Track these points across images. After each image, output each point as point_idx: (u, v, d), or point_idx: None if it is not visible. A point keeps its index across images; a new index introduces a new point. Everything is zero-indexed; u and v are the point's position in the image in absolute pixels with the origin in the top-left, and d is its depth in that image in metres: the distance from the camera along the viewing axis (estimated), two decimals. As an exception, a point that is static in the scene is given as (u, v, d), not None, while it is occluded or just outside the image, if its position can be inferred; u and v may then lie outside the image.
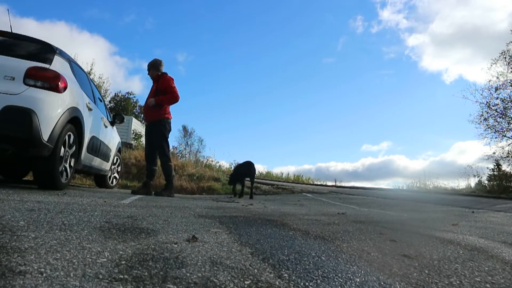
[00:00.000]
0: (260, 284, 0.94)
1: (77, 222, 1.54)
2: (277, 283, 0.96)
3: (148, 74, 4.80)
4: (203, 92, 47.61)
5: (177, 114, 14.04)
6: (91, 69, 17.82)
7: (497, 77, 12.39)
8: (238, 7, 51.09)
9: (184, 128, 28.23)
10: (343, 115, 47.66)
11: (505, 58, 12.23)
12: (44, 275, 0.80)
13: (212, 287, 0.87)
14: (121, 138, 6.26)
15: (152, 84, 4.85)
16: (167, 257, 1.10)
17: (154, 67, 4.74)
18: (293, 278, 1.02)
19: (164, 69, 4.80)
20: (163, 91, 4.60)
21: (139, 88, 40.31)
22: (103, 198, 2.97)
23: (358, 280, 1.05)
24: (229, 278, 0.95)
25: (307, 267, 1.15)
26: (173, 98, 4.63)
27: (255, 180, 6.74)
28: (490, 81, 12.63)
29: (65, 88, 3.11)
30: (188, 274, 0.94)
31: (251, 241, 1.50)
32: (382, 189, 11.67)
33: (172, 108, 4.82)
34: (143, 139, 16.50)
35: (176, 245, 1.28)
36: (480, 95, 12.87)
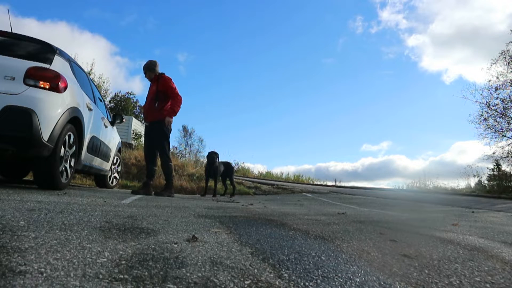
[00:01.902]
0: (260, 284, 0.94)
1: (77, 222, 1.54)
2: (277, 283, 0.96)
3: (145, 76, 4.83)
4: (203, 92, 47.66)
5: (177, 114, 14.04)
6: (91, 69, 17.82)
7: (497, 77, 12.38)
8: (238, 8, 51.10)
9: (184, 128, 28.27)
10: (343, 115, 47.70)
11: (505, 58, 12.21)
12: (44, 275, 0.81)
13: (212, 287, 0.87)
14: (121, 138, 6.26)
15: (150, 84, 4.87)
16: (167, 257, 1.10)
17: (150, 69, 4.76)
18: (293, 278, 1.02)
19: (161, 68, 4.83)
20: (164, 92, 4.63)
21: (140, 88, 40.33)
22: (103, 198, 2.97)
23: (358, 280, 1.05)
24: (229, 278, 0.95)
25: (307, 267, 1.15)
26: (178, 101, 4.71)
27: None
28: (490, 81, 12.63)
29: (65, 88, 3.11)
30: (188, 274, 0.94)
31: (251, 241, 1.50)
32: (382, 189, 11.67)
33: None
34: (143, 139, 16.51)
35: (176, 245, 1.28)
36: (480, 95, 12.85)
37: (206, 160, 6.06)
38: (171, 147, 5.67)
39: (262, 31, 53.22)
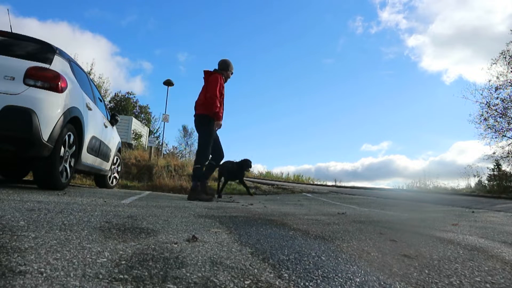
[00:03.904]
0: (260, 284, 0.94)
1: (77, 222, 1.54)
2: (277, 283, 0.96)
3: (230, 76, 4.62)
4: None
5: (177, 114, 14.15)
6: (91, 69, 17.84)
7: (497, 77, 12.41)
8: (238, 8, 51.11)
9: (184, 128, 28.29)
10: (343, 115, 47.73)
11: (505, 58, 12.24)
12: (44, 275, 0.80)
13: (212, 287, 0.87)
14: (121, 138, 6.26)
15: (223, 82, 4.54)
16: (167, 257, 1.10)
17: None
18: (293, 278, 1.02)
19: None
20: None
21: (141, 88, 40.33)
22: (103, 198, 2.97)
23: (358, 280, 1.04)
24: (229, 278, 0.95)
25: (307, 267, 1.15)
26: None
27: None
28: (490, 81, 12.65)
29: (65, 88, 3.11)
30: (188, 274, 0.94)
31: (251, 241, 1.50)
32: (382, 189, 11.67)
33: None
34: (143, 139, 16.50)
35: (176, 245, 1.28)
36: (480, 95, 12.89)
37: (242, 165, 5.99)
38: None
39: (262, 32, 53.25)
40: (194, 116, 4.40)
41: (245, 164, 6.02)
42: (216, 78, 4.28)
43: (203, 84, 4.46)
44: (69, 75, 3.39)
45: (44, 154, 2.94)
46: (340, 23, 52.17)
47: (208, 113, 4.25)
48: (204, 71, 4.47)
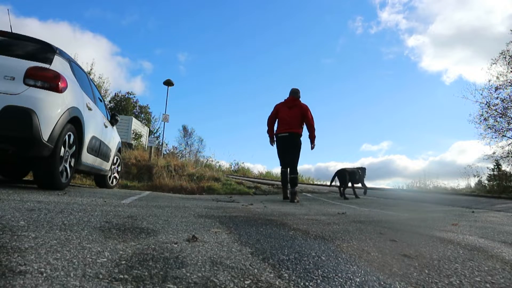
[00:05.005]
0: (260, 284, 0.94)
1: (77, 222, 1.54)
2: (277, 283, 0.96)
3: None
4: (203, 92, 47.69)
5: (177, 114, 14.16)
6: (91, 69, 17.83)
7: (497, 77, 12.41)
8: (238, 8, 51.11)
9: (184, 128, 28.33)
10: (343, 115, 47.76)
11: (505, 58, 12.24)
12: (44, 275, 0.81)
13: (212, 287, 0.87)
14: (121, 138, 6.26)
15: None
16: (167, 257, 1.10)
17: None
18: (293, 278, 1.02)
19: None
20: None
21: (141, 88, 40.35)
22: (103, 198, 2.97)
23: (358, 280, 1.04)
24: (229, 278, 0.95)
25: (307, 267, 1.15)
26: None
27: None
28: (490, 81, 12.65)
29: (65, 88, 3.11)
30: (188, 274, 0.94)
31: (251, 241, 1.50)
32: (382, 189, 11.66)
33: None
34: (143, 139, 16.50)
35: (176, 245, 1.28)
36: (480, 95, 12.89)
37: (362, 170, 7.04)
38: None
39: (262, 32, 53.30)
40: (287, 132, 5.25)
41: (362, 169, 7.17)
42: (310, 111, 5.29)
43: (288, 104, 5.33)
44: (69, 75, 3.39)
45: (44, 154, 2.94)
46: (340, 23, 52.28)
47: (300, 133, 5.26)
48: (293, 97, 5.39)
